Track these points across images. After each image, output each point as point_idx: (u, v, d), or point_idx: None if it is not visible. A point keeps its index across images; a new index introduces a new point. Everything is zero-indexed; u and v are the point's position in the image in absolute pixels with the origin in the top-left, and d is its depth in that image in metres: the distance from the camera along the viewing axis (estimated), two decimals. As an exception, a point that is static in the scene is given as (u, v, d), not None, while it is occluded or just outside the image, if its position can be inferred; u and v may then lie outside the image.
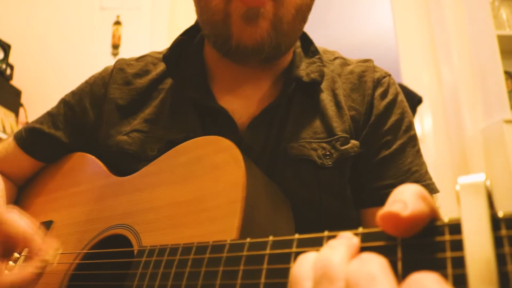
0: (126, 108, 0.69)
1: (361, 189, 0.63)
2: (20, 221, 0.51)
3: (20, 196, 0.79)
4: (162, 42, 2.35)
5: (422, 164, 0.64)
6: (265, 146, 0.62)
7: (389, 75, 0.69)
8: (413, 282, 0.23)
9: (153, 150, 0.63)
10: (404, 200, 0.26)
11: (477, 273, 0.22)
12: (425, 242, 0.25)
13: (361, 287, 0.23)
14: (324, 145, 0.61)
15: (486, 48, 2.26)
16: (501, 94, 2.15)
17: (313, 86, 0.65)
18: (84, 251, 0.58)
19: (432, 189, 0.63)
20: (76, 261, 0.58)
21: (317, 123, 0.63)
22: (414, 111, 1.96)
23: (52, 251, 0.50)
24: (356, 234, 0.29)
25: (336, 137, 0.62)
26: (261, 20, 0.55)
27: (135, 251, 0.49)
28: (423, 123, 2.45)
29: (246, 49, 0.57)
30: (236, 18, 0.55)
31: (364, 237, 0.28)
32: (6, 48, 2.13)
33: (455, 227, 0.25)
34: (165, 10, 2.46)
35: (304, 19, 0.61)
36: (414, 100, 1.95)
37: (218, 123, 0.63)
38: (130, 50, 2.35)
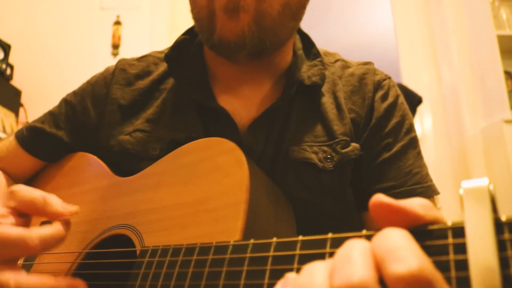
0: (128, 108, 0.69)
1: (362, 192, 0.63)
2: (32, 189, 0.49)
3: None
4: (162, 42, 2.35)
5: (423, 166, 0.65)
6: (266, 148, 0.62)
7: (389, 78, 0.69)
8: (383, 235, 0.25)
9: (155, 150, 0.63)
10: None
11: (480, 276, 0.22)
12: (428, 245, 0.26)
13: (338, 264, 0.25)
14: (325, 148, 0.62)
15: (486, 48, 2.27)
16: (501, 94, 2.15)
17: (314, 89, 0.65)
18: (86, 250, 0.58)
19: (433, 190, 0.63)
20: (78, 261, 0.58)
21: (318, 127, 0.63)
22: (414, 111, 1.96)
23: (72, 209, 0.48)
24: (359, 237, 0.29)
25: (336, 140, 0.62)
26: (242, 13, 0.55)
27: (138, 251, 0.49)
28: (423, 123, 2.45)
29: (228, 43, 0.57)
30: (218, 12, 0.56)
31: (367, 239, 0.28)
32: (6, 48, 2.13)
33: (458, 231, 0.25)
34: (165, 10, 2.46)
35: (294, 17, 0.60)
36: (414, 100, 1.95)
37: (219, 123, 0.63)
38: (130, 50, 2.35)
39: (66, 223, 0.47)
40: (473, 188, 0.25)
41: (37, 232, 0.44)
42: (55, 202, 0.48)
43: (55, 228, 0.46)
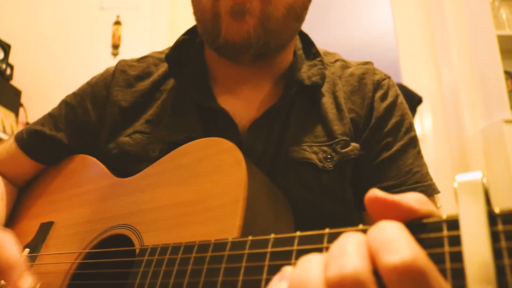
0: (129, 110, 0.69)
1: (362, 192, 0.63)
2: (5, 248, 0.48)
3: (21, 197, 0.79)
4: (162, 42, 2.35)
5: (423, 165, 0.65)
6: (266, 148, 0.62)
7: (389, 77, 0.69)
8: (378, 227, 0.25)
9: (155, 151, 0.63)
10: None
11: (474, 267, 0.22)
12: (424, 238, 0.26)
13: (332, 256, 0.25)
14: (325, 148, 0.62)
15: (486, 48, 2.27)
16: (501, 94, 2.15)
17: (314, 89, 0.65)
18: (86, 250, 0.58)
19: (433, 189, 0.63)
20: (78, 261, 0.58)
21: (318, 128, 0.63)
22: (414, 111, 1.96)
23: (27, 285, 0.47)
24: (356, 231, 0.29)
25: (336, 140, 0.62)
26: (248, 16, 0.55)
27: (137, 250, 0.49)
28: (423, 123, 2.45)
29: (234, 45, 0.57)
30: (224, 14, 0.56)
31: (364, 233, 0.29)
32: (6, 48, 2.13)
33: (453, 223, 0.25)
34: (165, 10, 2.46)
35: (297, 18, 0.61)
36: (414, 100, 1.95)
37: (219, 124, 0.63)
38: (130, 50, 2.36)
39: None
40: (467, 182, 0.25)
41: None
42: (15, 274, 0.47)
43: None
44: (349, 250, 0.25)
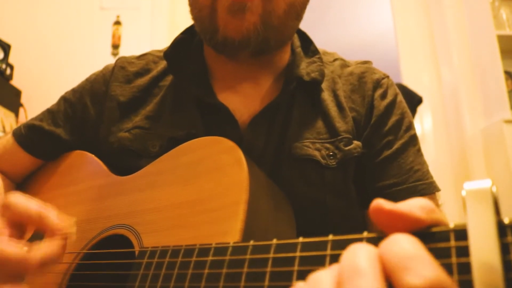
0: (127, 105, 0.69)
1: (365, 190, 0.64)
2: (28, 201, 0.48)
3: (18, 194, 0.78)
4: (162, 42, 2.35)
5: (423, 163, 0.65)
6: (267, 144, 0.62)
7: (388, 77, 0.70)
8: (392, 242, 0.24)
9: (154, 147, 0.63)
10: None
11: (483, 279, 0.22)
12: (430, 247, 0.25)
13: (346, 276, 0.24)
14: (328, 145, 0.62)
15: (486, 48, 2.26)
16: (501, 94, 2.15)
17: (314, 86, 0.65)
18: (84, 251, 0.58)
19: (434, 187, 0.64)
20: (76, 261, 0.58)
21: (320, 123, 0.64)
22: (414, 111, 1.96)
23: (70, 223, 0.47)
24: (360, 239, 0.29)
25: (339, 137, 0.62)
26: (249, 14, 0.55)
27: (136, 252, 0.49)
28: (423, 123, 2.45)
29: (233, 42, 0.57)
30: (221, 11, 0.56)
31: (369, 242, 0.28)
32: (6, 48, 2.12)
33: (461, 233, 0.25)
34: (165, 10, 2.46)
35: (297, 16, 0.61)
36: (414, 100, 1.95)
37: (219, 120, 0.63)
38: (130, 50, 2.34)
39: (64, 238, 0.46)
40: (476, 190, 0.25)
41: (37, 253, 0.43)
42: (51, 216, 0.46)
43: (54, 247, 0.44)
44: (364, 269, 0.23)
